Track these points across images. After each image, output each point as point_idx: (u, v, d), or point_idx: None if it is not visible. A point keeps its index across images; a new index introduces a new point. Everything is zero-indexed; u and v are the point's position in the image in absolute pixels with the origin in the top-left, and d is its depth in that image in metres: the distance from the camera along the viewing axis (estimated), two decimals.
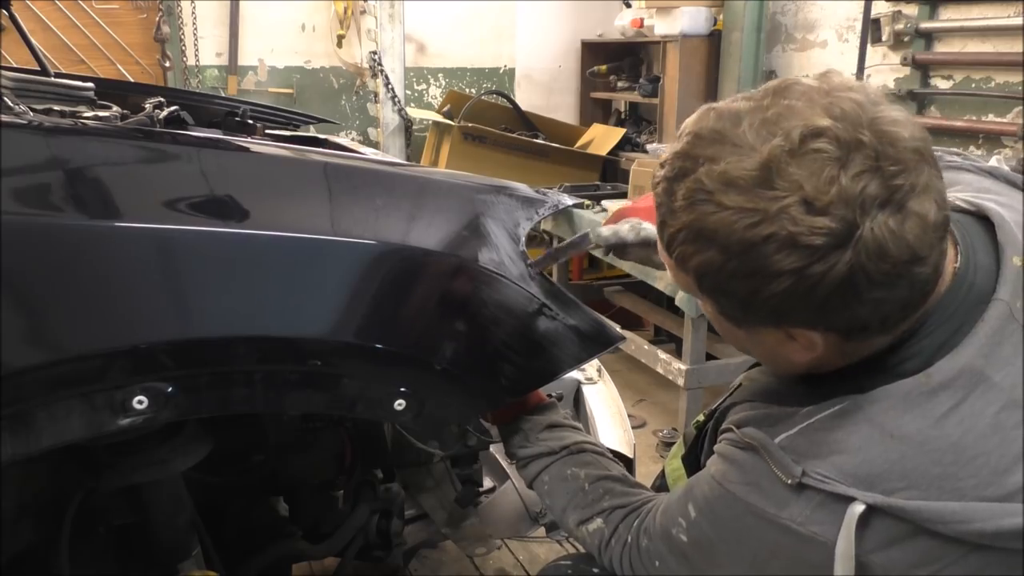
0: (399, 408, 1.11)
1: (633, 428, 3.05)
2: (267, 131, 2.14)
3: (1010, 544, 0.72)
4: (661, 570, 0.96)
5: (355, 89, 4.77)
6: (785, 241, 0.71)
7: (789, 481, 0.79)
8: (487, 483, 1.82)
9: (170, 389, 0.97)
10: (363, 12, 4.59)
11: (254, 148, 1.17)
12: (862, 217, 0.70)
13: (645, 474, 2.76)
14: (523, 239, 1.22)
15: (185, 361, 0.98)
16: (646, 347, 3.30)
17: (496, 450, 1.87)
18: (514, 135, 4.41)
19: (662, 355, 3.19)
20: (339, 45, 4.62)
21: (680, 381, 3.03)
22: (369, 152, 1.59)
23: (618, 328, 1.33)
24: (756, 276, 0.74)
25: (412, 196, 1.20)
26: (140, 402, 0.96)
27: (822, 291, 0.73)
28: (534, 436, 1.23)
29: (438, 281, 1.11)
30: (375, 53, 4.50)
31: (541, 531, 1.80)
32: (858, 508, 0.74)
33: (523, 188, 1.26)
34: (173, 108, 1.87)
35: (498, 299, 1.16)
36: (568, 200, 1.55)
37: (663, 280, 2.85)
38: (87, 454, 1.17)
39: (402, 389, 1.11)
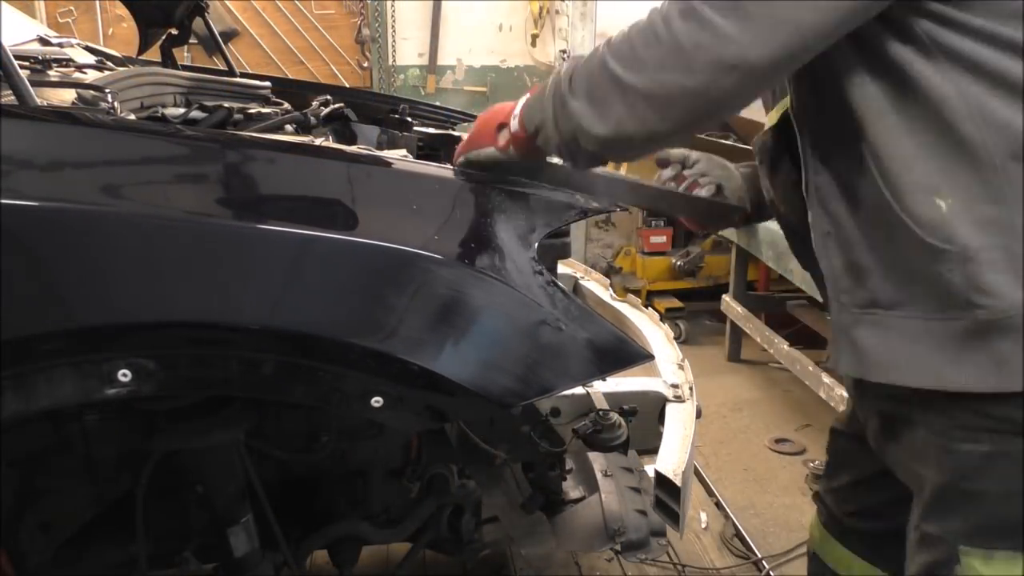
0: (376, 405, 1.13)
1: (789, 455, 3.09)
2: (415, 128, 2.21)
3: None
4: None
5: None
6: None
7: None
8: (576, 493, 1.81)
9: (152, 365, 1.05)
10: (558, 12, 4.67)
11: (262, 144, 1.17)
12: None
13: (780, 504, 2.74)
14: (535, 245, 1.19)
15: (166, 342, 1.05)
16: (811, 368, 3.01)
17: (594, 458, 1.88)
18: (699, 136, 4.24)
19: (826, 379, 2.89)
20: (533, 44, 4.74)
21: (841, 409, 2.64)
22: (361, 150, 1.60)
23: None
24: None
25: (415, 195, 1.19)
26: (124, 375, 1.04)
27: None
28: None
29: (425, 282, 1.10)
30: (565, 51, 4.56)
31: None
32: None
33: (549, 192, 1.24)
34: (338, 105, 2.06)
35: (493, 305, 1.13)
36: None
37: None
38: (151, 418, 1.29)
39: (381, 387, 1.13)
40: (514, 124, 1.13)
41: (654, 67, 0.95)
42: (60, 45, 1.92)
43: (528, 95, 1.12)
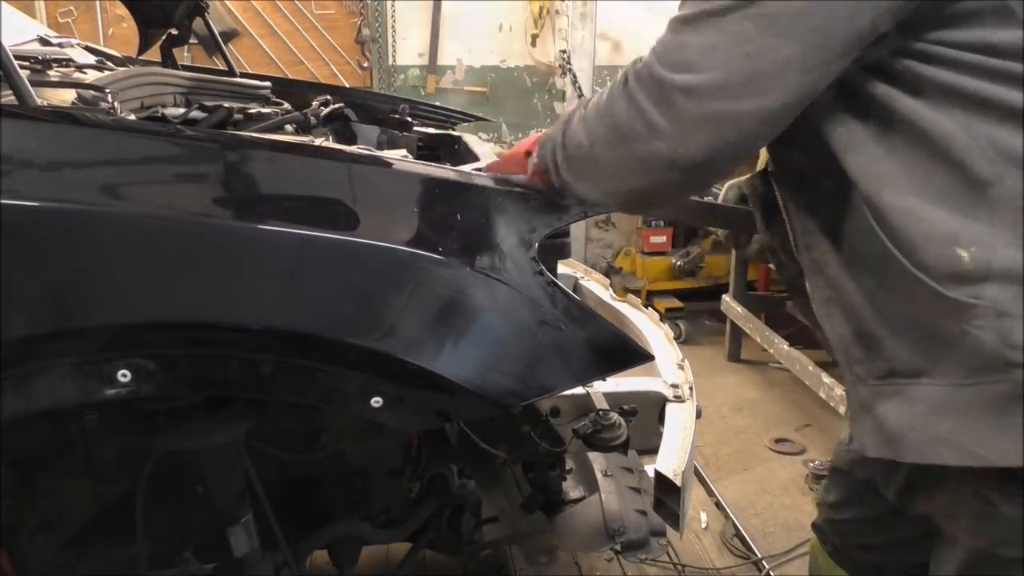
0: (376, 405, 1.13)
1: (789, 455, 3.09)
2: (415, 128, 2.22)
3: None
4: None
5: (547, 88, 4.86)
6: None
7: None
8: (576, 493, 1.82)
9: (152, 366, 1.05)
10: (558, 12, 4.69)
11: (261, 144, 1.17)
12: None
13: (780, 504, 2.75)
14: (535, 245, 1.18)
15: (166, 342, 1.05)
16: (811, 368, 3.00)
17: (594, 458, 1.89)
18: None
19: (826, 379, 2.88)
20: (533, 44, 4.74)
21: (842, 410, 2.70)
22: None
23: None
24: None
25: (415, 195, 1.19)
26: (124, 375, 1.04)
27: None
28: None
29: (425, 282, 1.10)
30: (565, 52, 4.58)
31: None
32: None
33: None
34: (338, 105, 2.08)
35: (492, 305, 1.14)
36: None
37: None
38: (151, 418, 1.29)
39: (381, 387, 1.12)
40: (534, 157, 1.13)
41: (603, 143, 0.93)
42: (60, 45, 1.92)
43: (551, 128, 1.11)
